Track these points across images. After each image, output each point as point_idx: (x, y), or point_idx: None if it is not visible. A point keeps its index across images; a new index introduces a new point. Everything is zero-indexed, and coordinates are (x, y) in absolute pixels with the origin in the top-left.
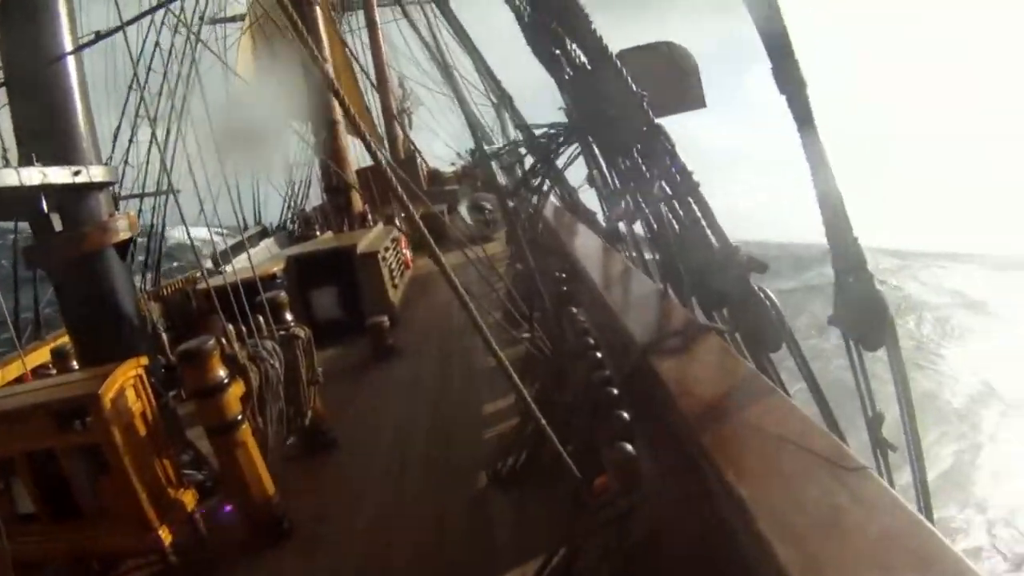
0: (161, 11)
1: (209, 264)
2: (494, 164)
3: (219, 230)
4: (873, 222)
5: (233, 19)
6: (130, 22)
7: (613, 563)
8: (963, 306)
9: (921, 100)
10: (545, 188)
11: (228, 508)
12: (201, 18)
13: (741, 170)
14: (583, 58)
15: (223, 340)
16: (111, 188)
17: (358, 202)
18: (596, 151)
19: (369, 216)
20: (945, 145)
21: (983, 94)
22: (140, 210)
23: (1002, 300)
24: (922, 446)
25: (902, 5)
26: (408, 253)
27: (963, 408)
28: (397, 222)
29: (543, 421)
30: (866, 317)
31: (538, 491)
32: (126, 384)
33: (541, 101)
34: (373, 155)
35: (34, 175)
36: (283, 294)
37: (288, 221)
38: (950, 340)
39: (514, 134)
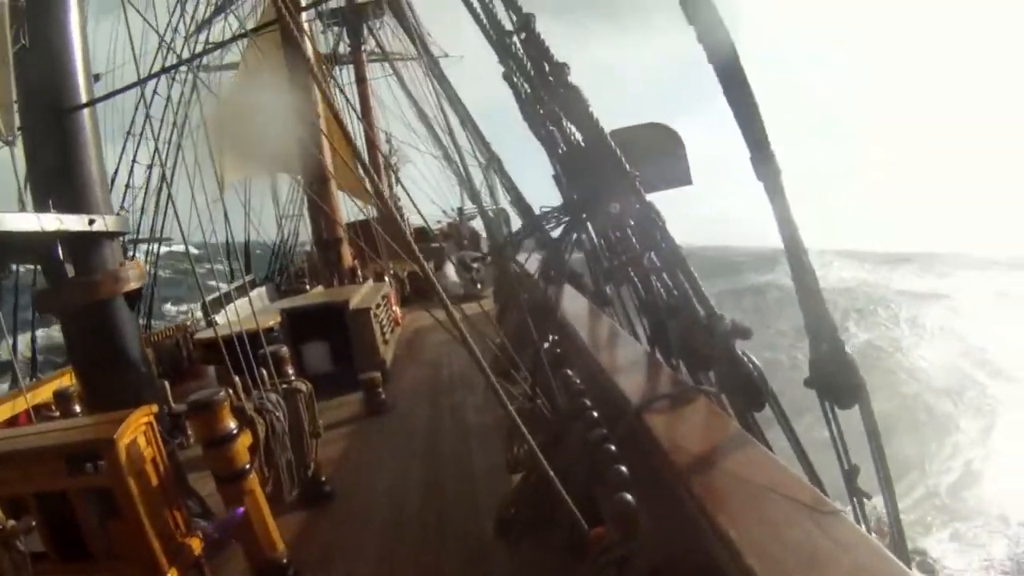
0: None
1: (199, 312)
2: (484, 222)
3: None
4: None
5: (229, 67)
6: (151, 77)
7: None
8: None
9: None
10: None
11: (240, 511)
12: (199, 66)
13: (734, 174)
14: (577, 136)
15: (231, 392)
16: (122, 237)
17: (348, 257)
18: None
19: (359, 271)
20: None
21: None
22: (134, 255)
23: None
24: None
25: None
26: (398, 310)
27: None
28: (387, 278)
29: (551, 472)
30: (839, 380)
31: (538, 542)
32: (138, 430)
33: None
34: (385, 210)
35: (51, 221)
36: (284, 348)
37: (275, 273)
38: None
39: (502, 195)
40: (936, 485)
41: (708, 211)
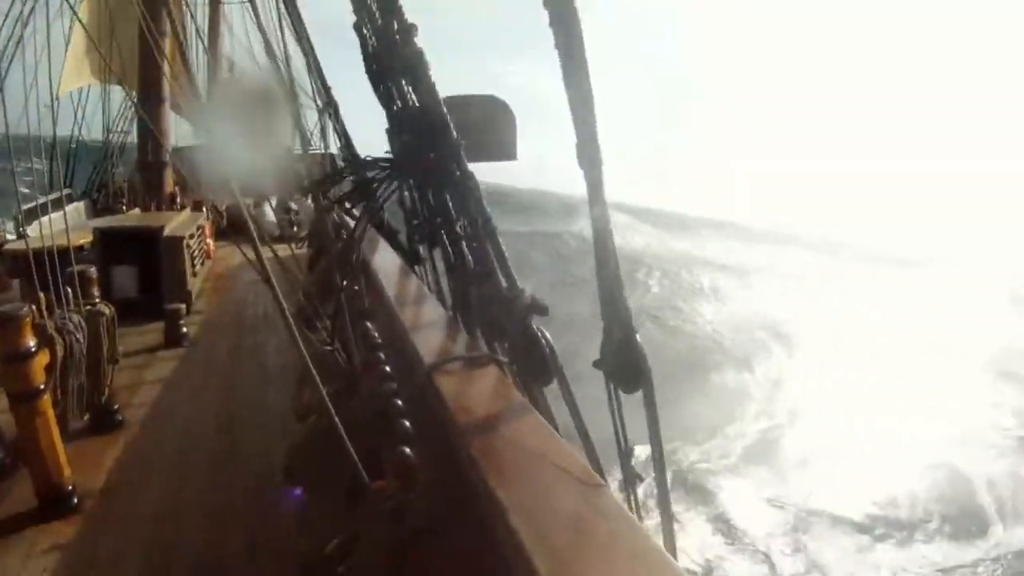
0: None
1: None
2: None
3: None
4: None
5: None
6: None
7: (387, 553)
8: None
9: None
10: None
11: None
12: None
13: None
14: (414, 96)
15: (34, 308)
16: None
17: (170, 182)
18: (411, 183)
19: (178, 198)
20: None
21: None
22: None
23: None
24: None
25: None
26: (211, 243)
27: None
28: (204, 209)
29: (336, 420)
30: (627, 365)
31: (322, 488)
32: None
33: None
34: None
35: None
36: (92, 269)
37: (94, 189)
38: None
39: (335, 141)
40: (729, 447)
41: (530, 152)
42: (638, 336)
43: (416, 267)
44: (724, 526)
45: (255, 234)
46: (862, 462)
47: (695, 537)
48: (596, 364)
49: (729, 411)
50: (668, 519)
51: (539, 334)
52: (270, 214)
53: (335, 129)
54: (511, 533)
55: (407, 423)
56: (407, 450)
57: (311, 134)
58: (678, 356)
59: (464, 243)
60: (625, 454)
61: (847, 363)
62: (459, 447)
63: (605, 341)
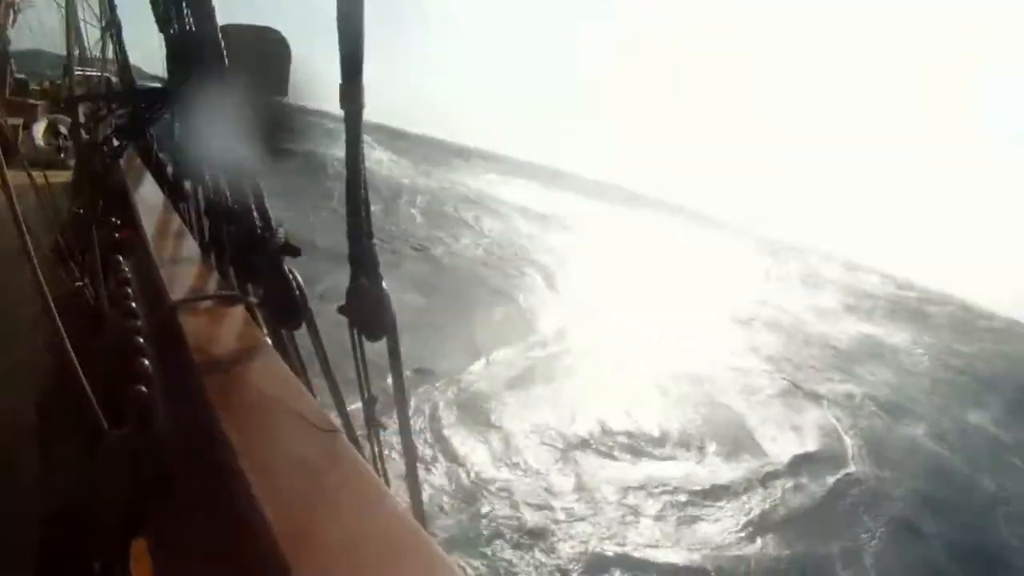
0: None
1: None
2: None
3: None
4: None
5: None
6: None
7: (124, 501)
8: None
9: None
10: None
11: None
12: None
13: None
14: (191, 19)
15: None
16: None
17: None
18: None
19: None
20: None
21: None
22: None
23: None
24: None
25: None
26: None
27: None
28: None
29: (74, 359)
30: (374, 313)
31: (60, 432)
32: None
33: None
34: None
35: None
36: None
37: None
38: None
39: (112, 61)
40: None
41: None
42: (384, 284)
43: (181, 203)
44: (501, 448)
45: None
46: (620, 391)
47: (474, 459)
48: (340, 310)
49: (497, 338)
50: (412, 467)
51: (290, 276)
52: (39, 137)
53: (115, 52)
54: (240, 477)
55: (146, 361)
56: (143, 389)
57: (90, 52)
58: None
59: (223, 179)
60: (368, 402)
61: (613, 306)
62: (196, 388)
63: (351, 289)
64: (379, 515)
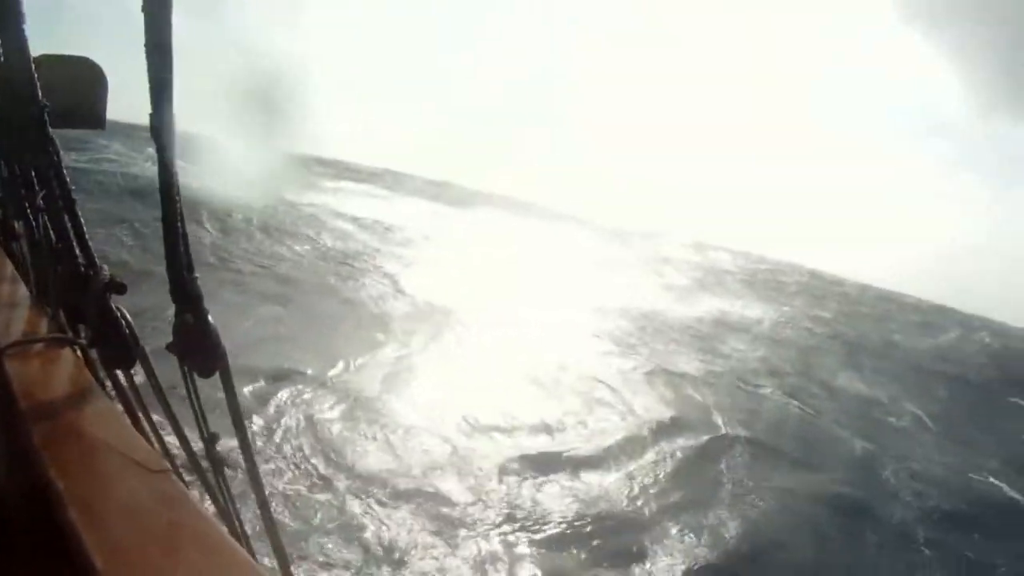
0: None
1: None
2: None
3: None
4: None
5: None
6: None
7: None
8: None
9: None
10: None
11: None
12: None
13: None
14: (1, 49)
15: None
16: None
17: None
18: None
19: None
20: None
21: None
22: None
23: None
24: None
25: None
26: None
27: None
28: None
29: None
30: (202, 349)
31: None
32: None
33: None
34: None
35: None
36: None
37: None
38: None
39: None
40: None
41: None
42: (210, 317)
43: (14, 243)
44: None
45: None
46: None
47: (369, 456)
48: (169, 347)
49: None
50: (263, 502)
51: (118, 314)
52: None
53: None
54: (70, 527)
55: None
56: None
57: None
58: None
59: (44, 216)
60: (209, 440)
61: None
62: (21, 435)
63: (177, 322)
64: (213, 553)
